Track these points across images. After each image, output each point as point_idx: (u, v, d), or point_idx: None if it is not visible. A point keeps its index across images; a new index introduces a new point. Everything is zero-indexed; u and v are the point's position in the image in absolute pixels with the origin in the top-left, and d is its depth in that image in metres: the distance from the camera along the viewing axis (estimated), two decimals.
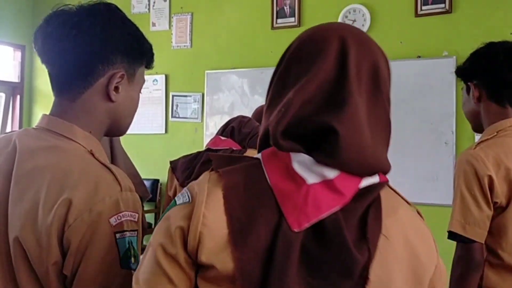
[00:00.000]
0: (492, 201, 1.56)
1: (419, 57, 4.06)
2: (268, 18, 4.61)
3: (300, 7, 4.51)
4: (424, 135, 4.02)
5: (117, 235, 1.00)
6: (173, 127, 5.11)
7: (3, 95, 5.71)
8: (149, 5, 5.18)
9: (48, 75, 1.14)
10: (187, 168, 2.27)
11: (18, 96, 5.77)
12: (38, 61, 5.77)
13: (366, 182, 0.84)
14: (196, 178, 1.53)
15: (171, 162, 2.37)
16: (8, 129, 5.77)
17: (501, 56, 1.66)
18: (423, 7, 4.04)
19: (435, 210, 3.96)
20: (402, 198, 0.90)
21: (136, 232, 1.03)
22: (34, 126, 1.15)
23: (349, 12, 4.30)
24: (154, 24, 5.16)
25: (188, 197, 0.86)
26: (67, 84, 1.11)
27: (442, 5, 3.97)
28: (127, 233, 1.01)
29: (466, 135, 3.95)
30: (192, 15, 4.99)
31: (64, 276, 0.99)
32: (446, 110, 3.92)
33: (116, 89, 1.12)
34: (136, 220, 1.04)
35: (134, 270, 0.98)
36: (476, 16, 3.91)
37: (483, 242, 1.58)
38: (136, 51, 1.15)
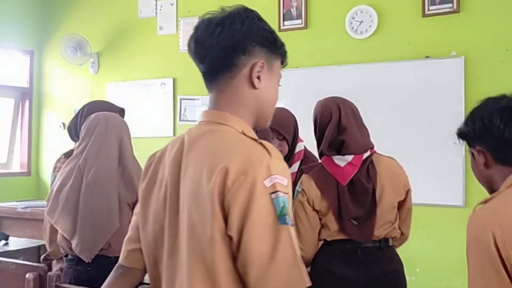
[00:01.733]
0: None
1: (427, 57, 4.05)
2: (275, 20, 4.61)
3: (306, 9, 4.51)
4: (433, 135, 4.00)
5: (272, 195, 1.12)
6: (182, 130, 5.10)
7: (12, 100, 5.75)
8: (156, 9, 5.20)
9: (202, 75, 1.32)
10: None
11: (27, 101, 5.81)
12: (47, 67, 5.84)
13: (365, 155, 2.24)
14: None
15: None
16: (18, 134, 5.80)
17: (497, 117, 1.49)
18: (431, 7, 4.03)
19: (444, 211, 3.95)
20: (384, 155, 2.07)
21: (287, 195, 1.16)
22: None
23: (356, 13, 4.30)
24: (161, 28, 5.18)
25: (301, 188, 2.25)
26: (216, 77, 1.28)
27: (450, 5, 3.95)
28: (280, 193, 1.13)
29: None
30: (199, 18, 5.00)
31: (228, 239, 1.13)
32: (455, 110, 3.90)
33: (258, 77, 1.28)
34: (286, 184, 1.16)
35: (291, 226, 1.14)
36: (484, 15, 3.89)
37: None
38: (272, 43, 1.30)
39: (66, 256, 2.35)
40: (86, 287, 2.20)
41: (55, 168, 2.76)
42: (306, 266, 2.20)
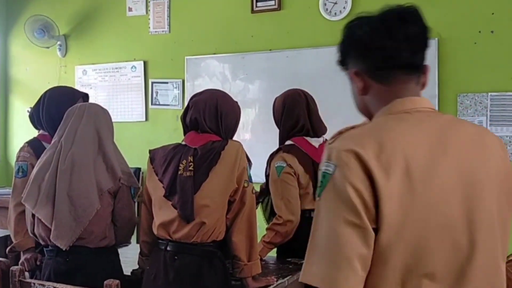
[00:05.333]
0: None
1: None
2: (247, 1, 4.53)
3: None
4: None
5: None
6: (154, 114, 5.02)
7: None
8: None
9: (404, 66, 1.22)
10: (165, 162, 2.21)
11: None
12: (13, 50, 5.64)
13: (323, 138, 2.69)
14: (172, 172, 2.19)
15: (150, 151, 2.30)
16: None
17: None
18: None
19: None
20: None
21: None
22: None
23: None
24: (130, 9, 5.03)
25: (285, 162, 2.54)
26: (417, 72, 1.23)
27: None
28: None
29: None
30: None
31: None
32: (428, 92, 3.87)
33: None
34: None
35: None
36: None
37: None
38: None
39: (47, 247, 2.29)
40: (63, 278, 2.16)
41: (18, 157, 2.65)
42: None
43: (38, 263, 2.52)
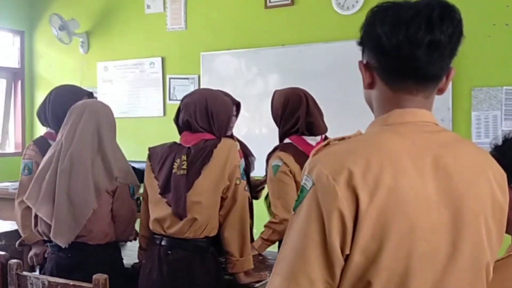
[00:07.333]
0: None
1: None
2: None
3: None
4: None
5: None
6: (172, 109, 5.08)
7: (4, 80, 5.75)
8: None
9: (420, 79, 1.11)
10: (160, 159, 2.27)
11: (19, 82, 5.81)
12: (37, 47, 5.82)
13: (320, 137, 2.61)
14: (167, 171, 2.24)
15: (149, 149, 2.36)
16: (11, 114, 5.82)
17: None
18: None
19: None
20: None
21: None
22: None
23: None
24: (148, 7, 5.12)
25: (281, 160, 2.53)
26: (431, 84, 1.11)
27: None
28: None
29: (463, 111, 3.89)
30: None
31: None
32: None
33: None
34: None
35: None
36: None
37: None
38: None
39: (51, 242, 2.37)
40: (65, 273, 2.21)
41: (24, 155, 2.75)
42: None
43: (46, 255, 2.61)
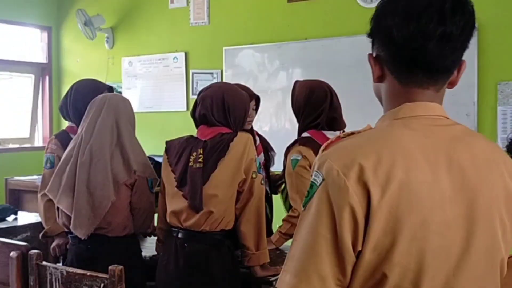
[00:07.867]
0: None
1: None
2: None
3: None
4: (445, 107, 3.85)
5: None
6: None
7: (32, 76, 5.86)
8: None
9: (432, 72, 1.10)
10: (177, 153, 2.29)
11: (47, 77, 5.92)
12: (64, 42, 5.92)
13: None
14: (183, 164, 2.27)
15: (166, 142, 2.38)
16: (39, 109, 5.93)
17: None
18: None
19: None
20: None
21: None
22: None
23: None
24: (172, 1, 5.15)
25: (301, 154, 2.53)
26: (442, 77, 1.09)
27: None
28: None
29: (489, 105, 3.81)
30: None
31: None
32: (467, 81, 3.77)
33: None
34: None
35: None
36: None
37: None
38: None
39: (72, 233, 2.42)
40: (84, 264, 2.26)
41: (46, 149, 2.82)
42: None
43: (68, 247, 2.67)
